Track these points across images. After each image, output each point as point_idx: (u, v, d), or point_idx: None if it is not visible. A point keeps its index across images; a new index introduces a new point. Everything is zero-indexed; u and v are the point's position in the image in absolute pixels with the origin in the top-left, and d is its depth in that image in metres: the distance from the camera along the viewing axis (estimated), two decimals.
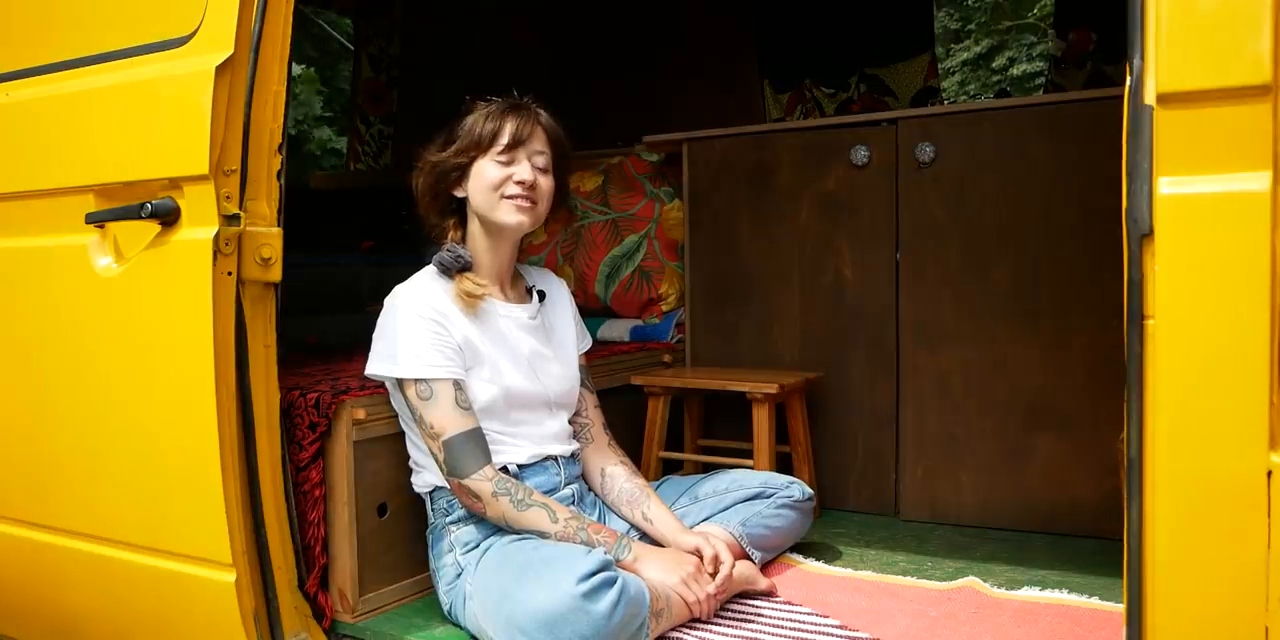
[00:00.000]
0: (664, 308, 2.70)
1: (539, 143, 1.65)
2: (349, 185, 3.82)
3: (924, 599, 1.67)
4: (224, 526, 1.47)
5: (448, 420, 1.55)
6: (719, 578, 1.57)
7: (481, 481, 1.54)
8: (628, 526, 1.74)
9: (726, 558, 1.60)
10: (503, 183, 1.62)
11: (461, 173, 1.66)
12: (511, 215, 1.63)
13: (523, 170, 1.62)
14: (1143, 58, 0.98)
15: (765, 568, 1.80)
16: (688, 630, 1.52)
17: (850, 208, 2.28)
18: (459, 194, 1.68)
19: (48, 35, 1.72)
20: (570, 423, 1.80)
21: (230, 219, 1.46)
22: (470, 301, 1.63)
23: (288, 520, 1.57)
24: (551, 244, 2.85)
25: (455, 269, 1.65)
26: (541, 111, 1.69)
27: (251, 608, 1.51)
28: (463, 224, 1.71)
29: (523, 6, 3.77)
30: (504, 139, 1.62)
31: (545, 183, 1.66)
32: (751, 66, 3.56)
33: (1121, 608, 1.03)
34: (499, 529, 1.60)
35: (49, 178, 1.67)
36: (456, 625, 1.61)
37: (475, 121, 1.65)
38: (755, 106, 3.54)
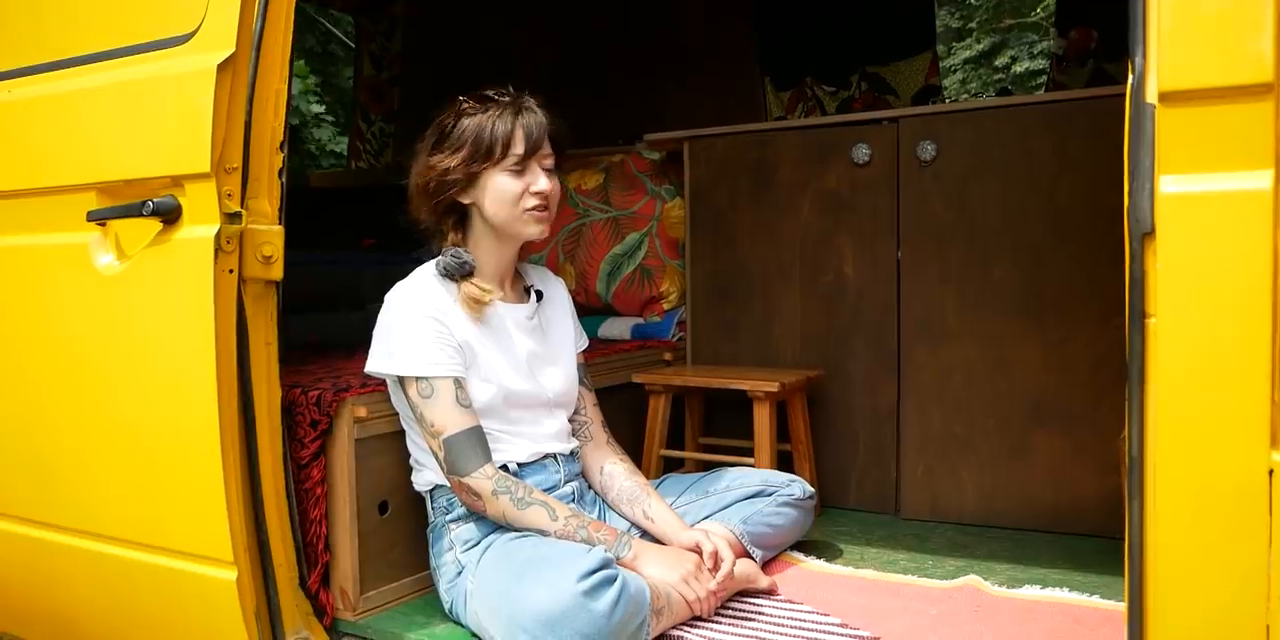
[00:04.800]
0: (665, 306, 2.70)
1: (546, 145, 1.64)
2: (350, 183, 3.82)
3: (925, 597, 1.67)
4: (225, 524, 1.47)
5: (448, 418, 1.55)
6: (719, 575, 1.57)
7: (482, 480, 1.55)
8: (628, 524, 1.74)
9: (727, 554, 1.60)
10: (521, 196, 1.61)
11: (469, 181, 1.63)
12: (532, 227, 1.63)
13: (540, 180, 1.61)
14: (1144, 56, 0.98)
15: (766, 566, 1.80)
16: (688, 628, 1.52)
17: (851, 206, 2.28)
18: (464, 200, 1.66)
19: (50, 33, 1.72)
20: (569, 421, 1.80)
21: (232, 217, 1.46)
22: (476, 307, 1.63)
23: (289, 518, 1.57)
24: (553, 242, 2.85)
25: (460, 274, 1.64)
26: (543, 110, 1.66)
27: (253, 605, 1.51)
28: (461, 224, 1.70)
29: (524, 4, 3.76)
30: (518, 149, 1.60)
31: (555, 185, 1.66)
32: (752, 65, 3.56)
33: (1123, 606, 1.04)
34: (499, 527, 1.60)
35: (51, 176, 1.67)
36: (457, 623, 1.61)
37: (481, 128, 1.60)
38: (756, 105, 3.54)
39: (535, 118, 1.62)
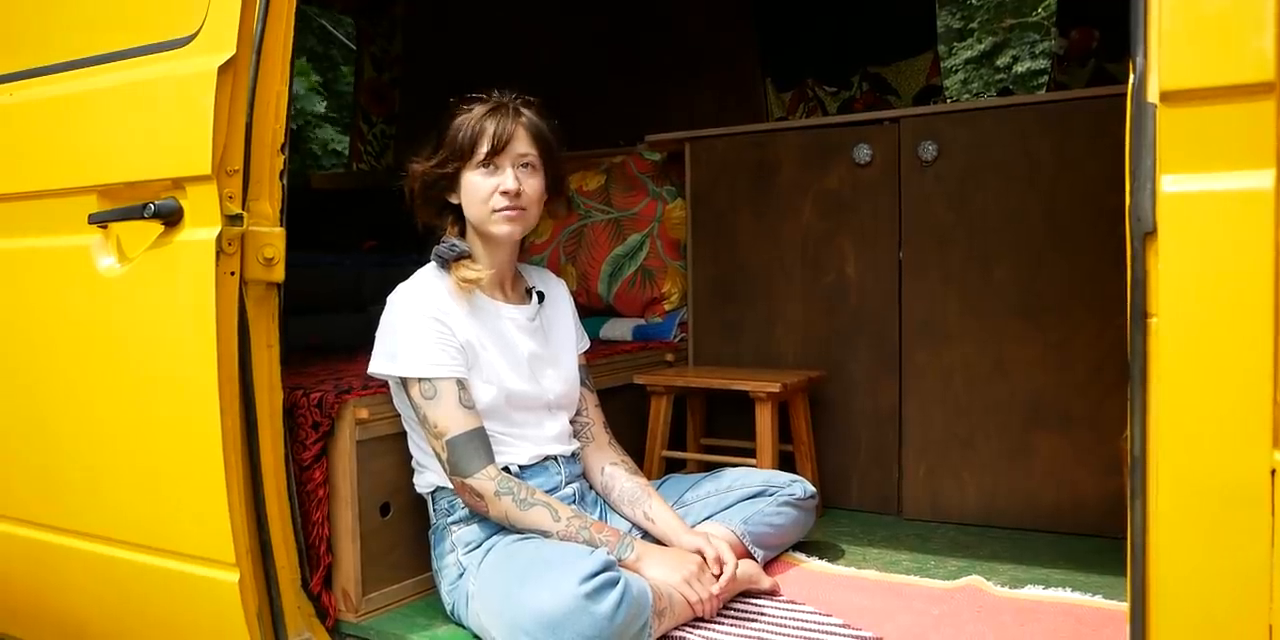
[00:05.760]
0: (666, 307, 2.70)
1: (522, 144, 1.63)
2: (351, 185, 3.82)
3: (927, 598, 1.67)
4: (227, 526, 1.47)
5: (451, 419, 1.55)
6: (723, 579, 1.57)
7: (485, 481, 1.55)
8: (629, 525, 1.74)
9: (729, 558, 1.60)
10: (490, 195, 1.61)
11: (450, 182, 1.65)
12: (501, 227, 1.63)
13: (507, 179, 1.61)
14: (1145, 56, 0.98)
15: (768, 567, 1.80)
16: (691, 629, 1.52)
17: (853, 206, 2.28)
18: (453, 200, 1.67)
19: (51, 36, 1.73)
20: (571, 422, 1.80)
21: (233, 219, 1.46)
22: (467, 287, 1.63)
23: (291, 520, 1.57)
24: (554, 243, 2.86)
25: (451, 258, 1.64)
26: (523, 109, 1.66)
27: (255, 607, 1.51)
28: (459, 221, 1.71)
29: (525, 6, 3.77)
30: (484, 148, 1.60)
31: (532, 186, 1.64)
32: (753, 65, 3.56)
33: (1125, 606, 1.03)
34: (501, 529, 1.60)
35: (52, 178, 1.67)
36: (459, 625, 1.61)
37: (457, 129, 1.62)
38: (757, 105, 3.54)
39: (508, 118, 1.62)
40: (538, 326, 1.76)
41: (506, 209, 1.61)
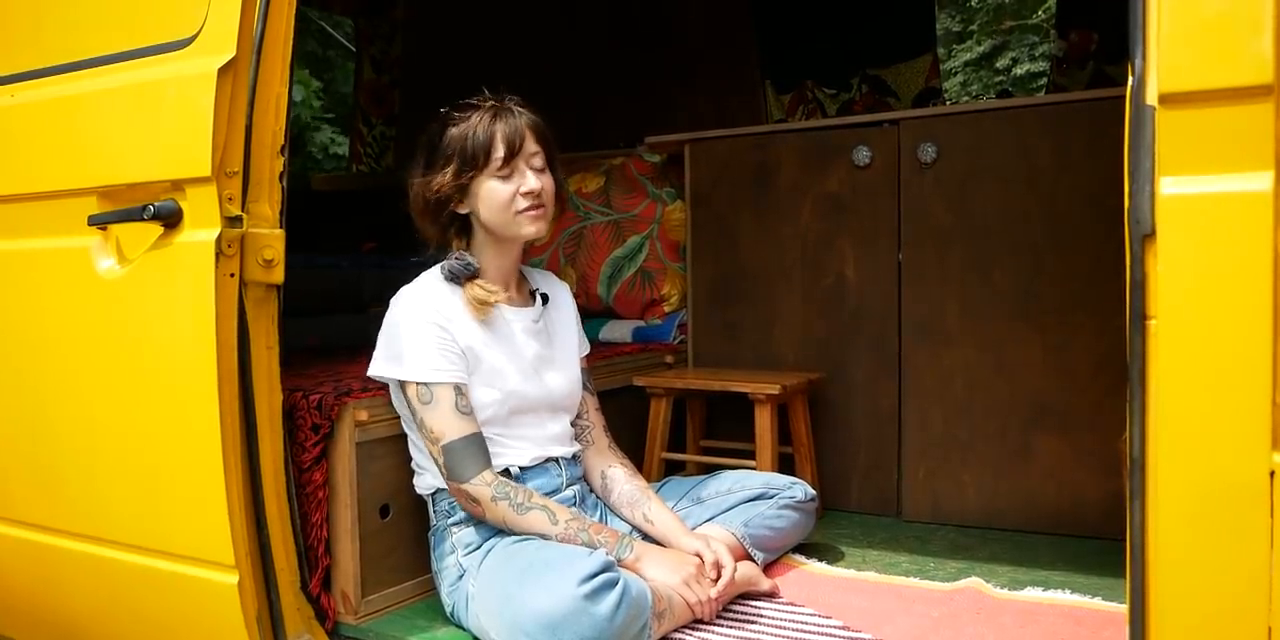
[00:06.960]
0: (666, 309, 2.70)
1: (531, 144, 1.63)
2: (351, 187, 3.82)
3: (926, 600, 1.67)
4: (227, 528, 1.47)
5: (447, 425, 1.55)
6: (721, 583, 1.57)
7: (480, 486, 1.55)
8: (629, 527, 1.74)
9: (727, 561, 1.60)
10: (512, 199, 1.61)
11: (462, 192, 1.64)
12: (528, 227, 1.63)
13: (529, 180, 1.61)
14: (1144, 58, 0.98)
15: (768, 569, 1.80)
16: (689, 631, 1.52)
17: (852, 208, 2.29)
18: (461, 211, 1.67)
19: (51, 37, 1.73)
20: (572, 425, 1.80)
21: (232, 221, 1.46)
22: (482, 309, 1.63)
23: (290, 522, 1.57)
24: (554, 245, 2.86)
25: (465, 276, 1.64)
26: (523, 110, 1.65)
27: (254, 609, 1.51)
28: (464, 231, 1.71)
29: (525, 7, 3.77)
30: (499, 152, 1.60)
31: (548, 183, 1.65)
32: (753, 67, 3.56)
33: (1125, 608, 1.03)
34: (501, 530, 1.60)
35: (52, 180, 1.67)
36: (459, 626, 1.61)
37: (463, 138, 1.61)
38: (757, 107, 3.55)
39: (513, 119, 1.62)
40: (541, 328, 1.76)
41: (531, 209, 1.62)
